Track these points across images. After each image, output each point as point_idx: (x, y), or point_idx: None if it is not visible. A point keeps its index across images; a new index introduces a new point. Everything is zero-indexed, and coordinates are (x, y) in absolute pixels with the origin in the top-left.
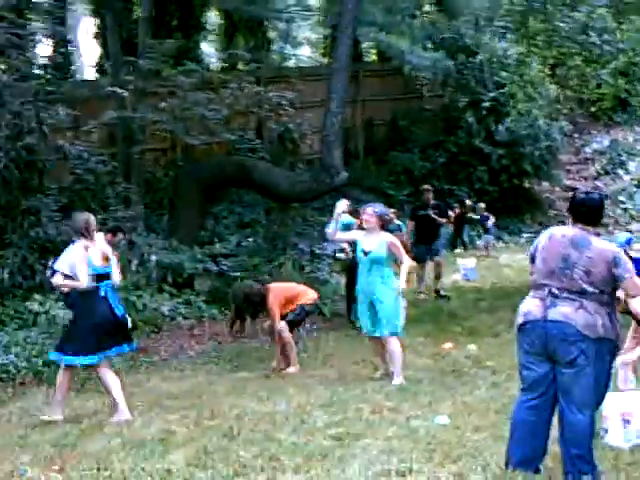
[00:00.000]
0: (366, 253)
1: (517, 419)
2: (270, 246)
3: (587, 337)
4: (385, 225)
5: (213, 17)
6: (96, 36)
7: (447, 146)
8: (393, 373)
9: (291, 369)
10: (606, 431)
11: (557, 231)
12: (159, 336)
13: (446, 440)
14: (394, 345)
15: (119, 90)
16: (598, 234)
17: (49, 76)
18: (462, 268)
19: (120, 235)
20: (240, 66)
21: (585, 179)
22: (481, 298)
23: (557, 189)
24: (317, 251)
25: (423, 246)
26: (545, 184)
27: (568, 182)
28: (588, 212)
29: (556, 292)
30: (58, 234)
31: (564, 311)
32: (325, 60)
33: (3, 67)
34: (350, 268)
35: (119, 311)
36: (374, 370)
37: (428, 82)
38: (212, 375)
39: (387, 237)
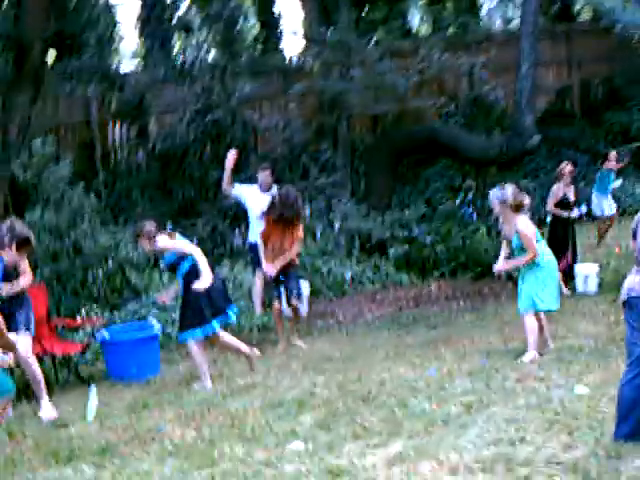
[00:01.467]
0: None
1: (624, 396)
2: (462, 212)
3: None
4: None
5: None
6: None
7: None
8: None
9: None
10: None
11: None
12: (342, 301)
13: (574, 411)
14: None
15: (309, 60)
16: None
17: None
18: None
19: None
20: (450, 30)
21: None
22: None
23: None
24: None
25: None
26: None
27: None
28: None
29: None
30: None
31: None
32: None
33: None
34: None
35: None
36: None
37: None
38: (379, 339)
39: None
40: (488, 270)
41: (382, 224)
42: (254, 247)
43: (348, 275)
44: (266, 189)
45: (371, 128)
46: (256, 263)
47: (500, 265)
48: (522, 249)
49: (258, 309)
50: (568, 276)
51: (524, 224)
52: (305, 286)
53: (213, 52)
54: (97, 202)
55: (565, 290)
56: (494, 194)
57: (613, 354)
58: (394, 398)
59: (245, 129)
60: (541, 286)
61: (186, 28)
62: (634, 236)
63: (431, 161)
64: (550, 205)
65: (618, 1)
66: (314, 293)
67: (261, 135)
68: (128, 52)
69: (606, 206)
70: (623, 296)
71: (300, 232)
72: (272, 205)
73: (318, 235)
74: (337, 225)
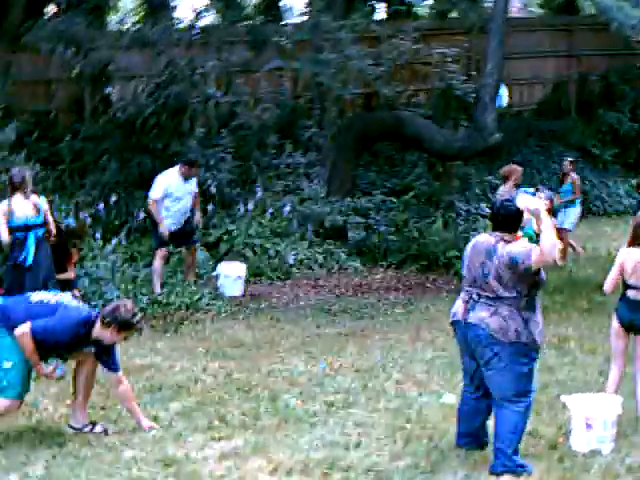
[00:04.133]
0: None
1: (461, 408)
2: (424, 203)
3: (500, 341)
4: None
5: None
6: None
7: None
8: None
9: None
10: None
11: (479, 239)
12: (283, 284)
13: (427, 419)
14: None
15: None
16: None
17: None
18: None
19: (194, 170)
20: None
21: None
22: None
23: None
24: (473, 210)
25: None
26: None
27: None
28: (506, 220)
29: (476, 297)
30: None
31: (480, 315)
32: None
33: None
34: None
35: None
36: None
37: None
38: (297, 327)
39: None
40: (435, 263)
41: (340, 209)
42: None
43: (292, 259)
44: (186, 180)
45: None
46: (157, 240)
47: None
48: None
49: (157, 288)
50: None
51: None
52: (241, 268)
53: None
54: (43, 170)
55: None
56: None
57: None
58: (269, 391)
59: (207, 105)
60: None
61: None
62: (462, 267)
63: (405, 149)
64: None
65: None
66: (255, 275)
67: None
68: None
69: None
70: (450, 319)
71: None
72: None
73: (269, 215)
74: (287, 208)
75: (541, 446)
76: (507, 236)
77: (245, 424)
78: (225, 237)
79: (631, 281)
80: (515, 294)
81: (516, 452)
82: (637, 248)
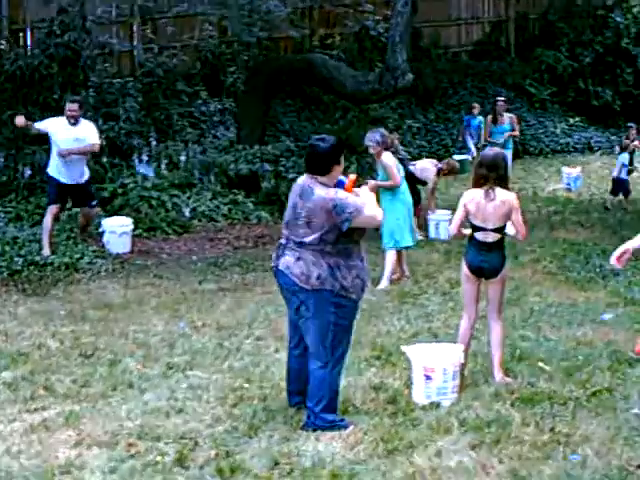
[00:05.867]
0: None
1: (288, 365)
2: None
3: (303, 288)
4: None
5: None
6: None
7: (594, 46)
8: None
9: None
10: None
11: (299, 179)
12: (178, 239)
13: (270, 377)
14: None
15: None
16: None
17: None
18: (565, 176)
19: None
20: None
21: None
22: (558, 211)
23: None
24: None
25: None
26: None
27: None
28: (313, 160)
29: (284, 241)
30: None
31: (286, 261)
32: None
33: None
34: None
35: None
36: None
37: None
38: (178, 284)
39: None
40: None
41: (246, 157)
42: (52, 180)
43: (188, 211)
44: (73, 122)
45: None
46: (49, 196)
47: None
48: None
49: (46, 250)
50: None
51: (388, 158)
52: (126, 222)
53: None
54: None
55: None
56: (368, 137)
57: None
58: (113, 355)
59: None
60: (401, 225)
61: None
62: None
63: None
64: None
65: None
66: (150, 229)
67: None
68: None
69: None
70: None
71: None
72: None
73: (163, 166)
74: (182, 157)
75: (380, 400)
76: (320, 178)
77: (71, 393)
78: (120, 191)
79: (476, 222)
80: (319, 239)
81: (328, 409)
82: (479, 189)
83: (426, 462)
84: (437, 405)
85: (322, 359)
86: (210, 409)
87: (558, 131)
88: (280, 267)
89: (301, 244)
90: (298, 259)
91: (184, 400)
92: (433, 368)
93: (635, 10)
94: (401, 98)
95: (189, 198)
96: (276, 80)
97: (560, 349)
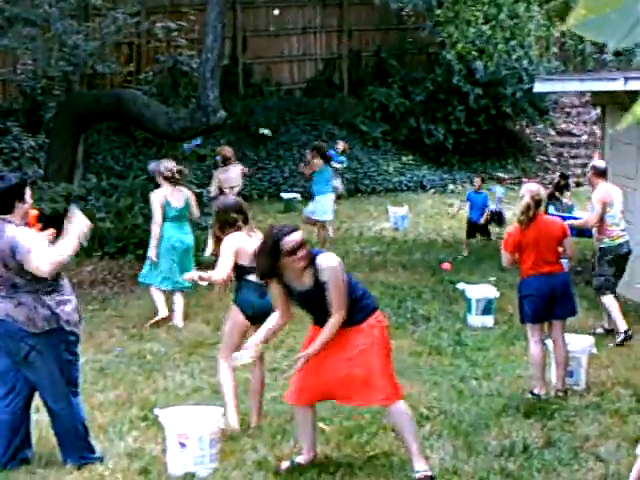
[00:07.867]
0: None
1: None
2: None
3: (33, 333)
4: None
5: None
6: None
7: (426, 84)
8: None
9: None
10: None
11: None
12: None
13: None
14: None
15: None
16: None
17: None
18: (392, 215)
19: None
20: None
21: (585, 123)
22: (381, 252)
23: (552, 133)
24: None
25: None
26: (540, 126)
27: (564, 126)
28: None
29: None
30: None
31: (5, 308)
32: None
33: None
34: None
35: None
36: None
37: (413, 13)
38: None
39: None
40: None
41: (51, 196)
42: None
43: None
44: None
45: None
46: None
47: None
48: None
49: None
50: None
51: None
52: None
53: None
54: None
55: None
56: (150, 166)
57: None
58: None
59: None
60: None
61: None
62: None
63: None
64: None
65: None
66: None
67: None
68: None
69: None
70: None
71: None
72: None
73: None
74: None
75: (132, 470)
76: (9, 217)
77: None
78: None
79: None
80: (30, 278)
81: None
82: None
83: None
84: (192, 476)
85: (63, 400)
86: None
87: (391, 169)
88: None
89: (15, 287)
90: (18, 305)
91: None
92: (187, 435)
93: (459, 46)
94: (230, 135)
95: None
96: (85, 116)
97: (346, 407)
